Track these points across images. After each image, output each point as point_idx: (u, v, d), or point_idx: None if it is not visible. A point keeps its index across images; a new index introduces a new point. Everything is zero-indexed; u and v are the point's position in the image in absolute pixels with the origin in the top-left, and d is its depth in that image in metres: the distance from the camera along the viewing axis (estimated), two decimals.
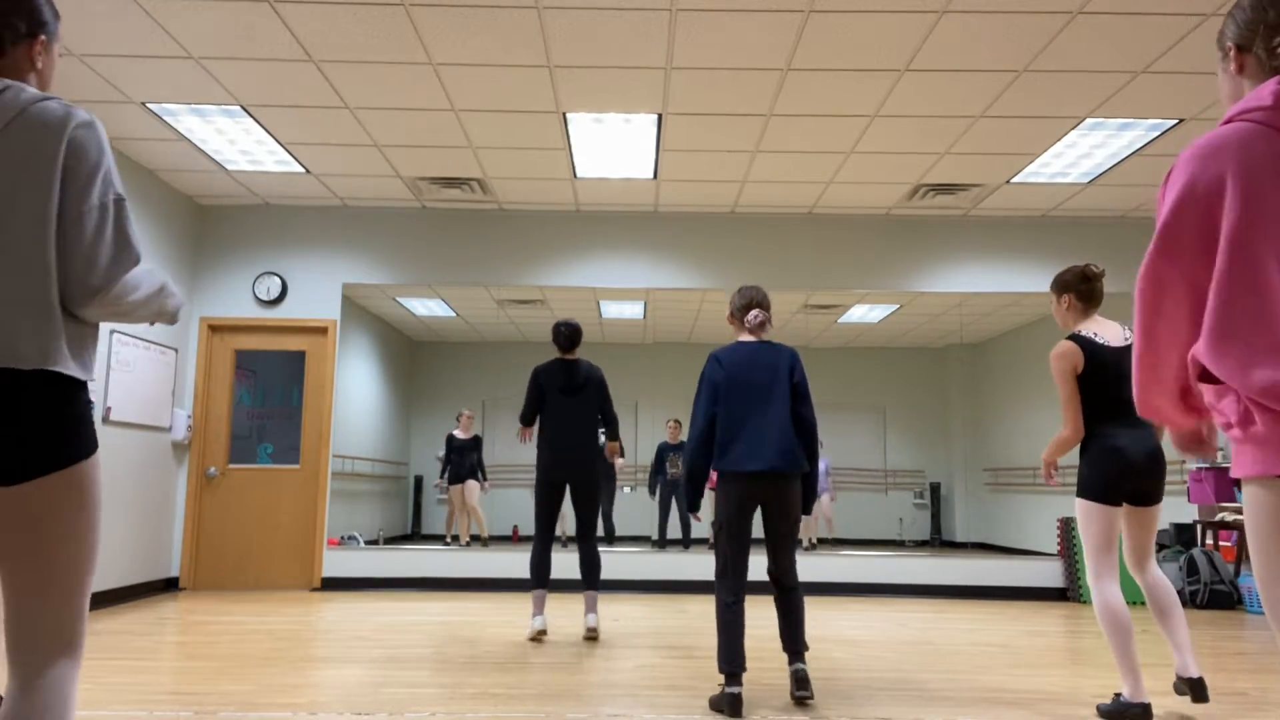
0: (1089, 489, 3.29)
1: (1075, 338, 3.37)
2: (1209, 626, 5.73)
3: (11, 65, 1.54)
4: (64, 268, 1.47)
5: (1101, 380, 3.31)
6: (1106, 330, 3.39)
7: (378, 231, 7.24)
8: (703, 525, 8.06)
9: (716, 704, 3.41)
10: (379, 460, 8.22)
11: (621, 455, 5.15)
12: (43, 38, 1.58)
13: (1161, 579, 3.37)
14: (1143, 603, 6.68)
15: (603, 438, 5.08)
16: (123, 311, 1.55)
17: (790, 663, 3.54)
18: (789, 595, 3.56)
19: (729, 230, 7.29)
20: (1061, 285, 3.50)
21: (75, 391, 1.50)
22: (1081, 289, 3.45)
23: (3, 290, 1.43)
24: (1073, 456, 3.46)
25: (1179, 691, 3.34)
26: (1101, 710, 3.35)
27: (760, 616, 5.47)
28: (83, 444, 1.51)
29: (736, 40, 4.45)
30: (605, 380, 4.97)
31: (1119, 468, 3.25)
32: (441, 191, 6.81)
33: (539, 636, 4.77)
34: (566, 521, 8.04)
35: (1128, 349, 3.35)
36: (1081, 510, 3.32)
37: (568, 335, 4.94)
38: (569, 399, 4.88)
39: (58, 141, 1.46)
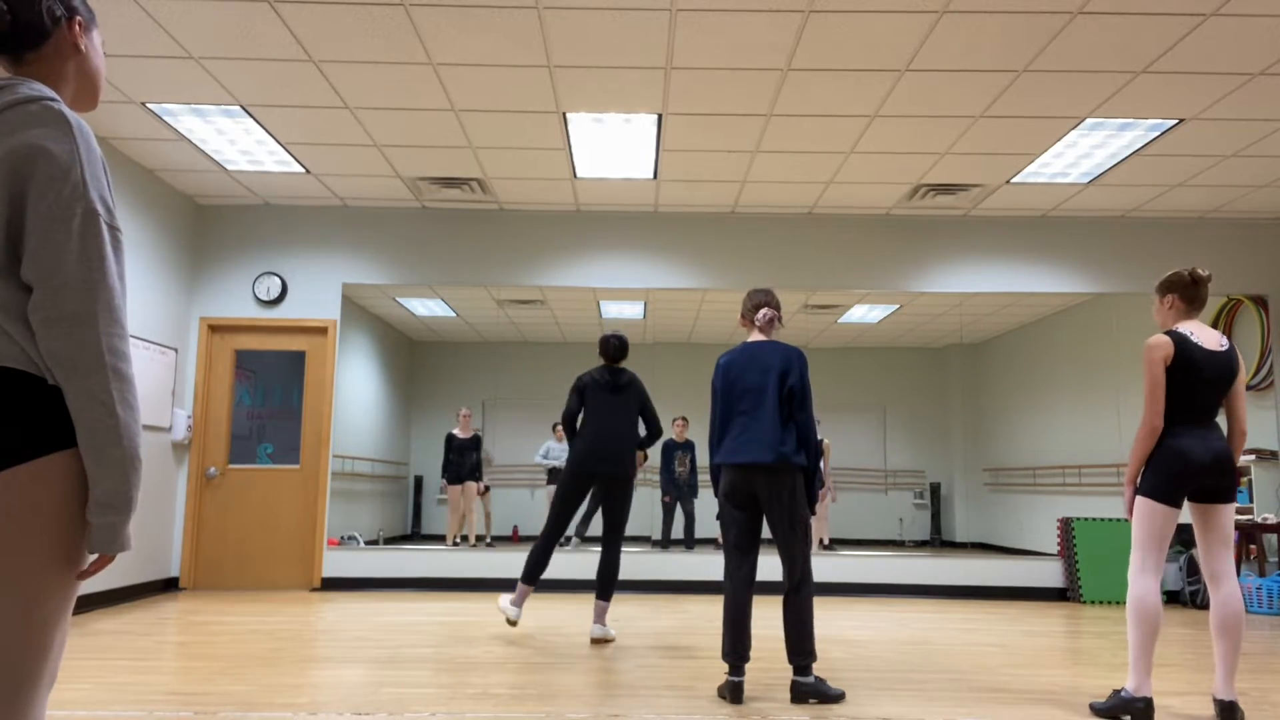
0: (1149, 488, 3.29)
1: (1171, 333, 3.35)
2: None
3: (54, 48, 1.43)
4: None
5: (1186, 378, 3.29)
6: (1203, 334, 3.36)
7: (378, 231, 7.24)
8: (707, 527, 8.04)
9: (721, 691, 3.57)
10: (379, 460, 8.21)
11: (644, 459, 5.15)
12: (79, 18, 1.46)
13: (1235, 597, 3.25)
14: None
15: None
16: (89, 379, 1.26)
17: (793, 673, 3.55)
18: (790, 594, 3.57)
19: (729, 230, 7.29)
20: (1167, 286, 3.47)
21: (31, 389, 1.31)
22: (1187, 292, 3.42)
23: None
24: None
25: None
26: (1096, 708, 3.34)
27: (766, 615, 5.47)
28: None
29: (736, 40, 4.45)
30: (645, 389, 5.07)
31: (1183, 470, 3.23)
32: (441, 191, 6.81)
33: (509, 624, 4.73)
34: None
35: (1220, 355, 3.31)
36: (1139, 506, 3.31)
37: (617, 346, 5.04)
38: (613, 396, 4.92)
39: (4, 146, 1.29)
